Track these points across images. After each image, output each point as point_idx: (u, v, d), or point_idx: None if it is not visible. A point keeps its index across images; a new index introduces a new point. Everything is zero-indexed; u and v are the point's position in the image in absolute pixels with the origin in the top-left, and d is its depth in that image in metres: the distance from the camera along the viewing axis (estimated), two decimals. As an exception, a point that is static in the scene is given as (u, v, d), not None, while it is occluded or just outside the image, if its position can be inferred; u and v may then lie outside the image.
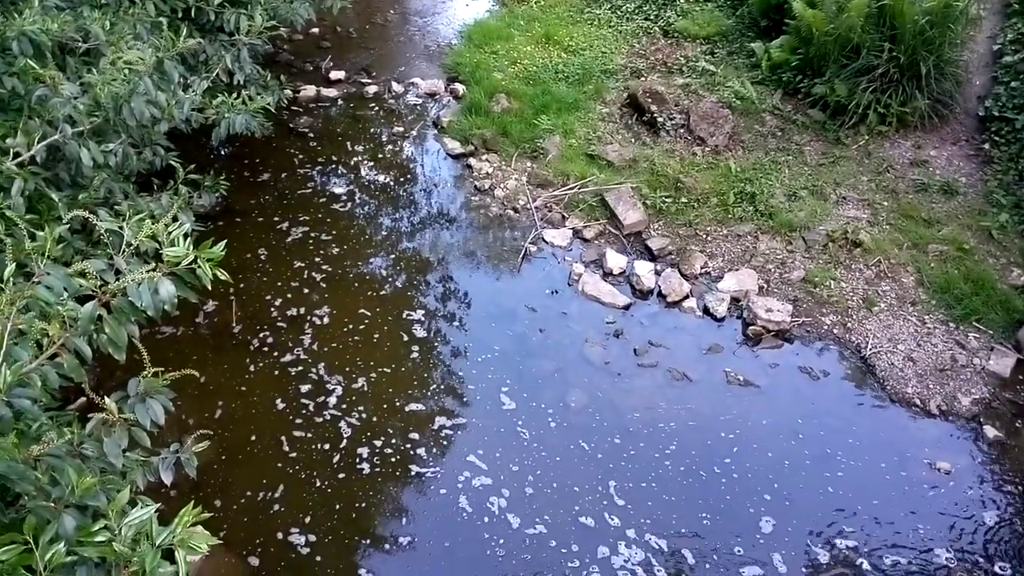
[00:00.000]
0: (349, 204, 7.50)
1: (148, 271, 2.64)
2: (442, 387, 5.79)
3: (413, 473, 5.20)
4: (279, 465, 5.18)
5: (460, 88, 8.98)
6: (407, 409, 5.60)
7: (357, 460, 5.24)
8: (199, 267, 2.68)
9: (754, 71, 8.42)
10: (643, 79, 8.65)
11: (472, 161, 8.01)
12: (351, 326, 6.21)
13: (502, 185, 7.66)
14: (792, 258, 6.65)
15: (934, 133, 7.54)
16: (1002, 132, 7.21)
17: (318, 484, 5.08)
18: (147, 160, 4.85)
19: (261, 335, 6.09)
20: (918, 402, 5.57)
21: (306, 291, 6.51)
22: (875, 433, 5.43)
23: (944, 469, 5.17)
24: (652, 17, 9.60)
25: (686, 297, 6.42)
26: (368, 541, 4.81)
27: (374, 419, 5.51)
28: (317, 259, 6.81)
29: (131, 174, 4.82)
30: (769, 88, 8.20)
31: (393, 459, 5.26)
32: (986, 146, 7.26)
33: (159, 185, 5.02)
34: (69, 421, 2.82)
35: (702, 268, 6.67)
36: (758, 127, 7.86)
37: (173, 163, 4.83)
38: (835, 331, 6.11)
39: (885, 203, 6.99)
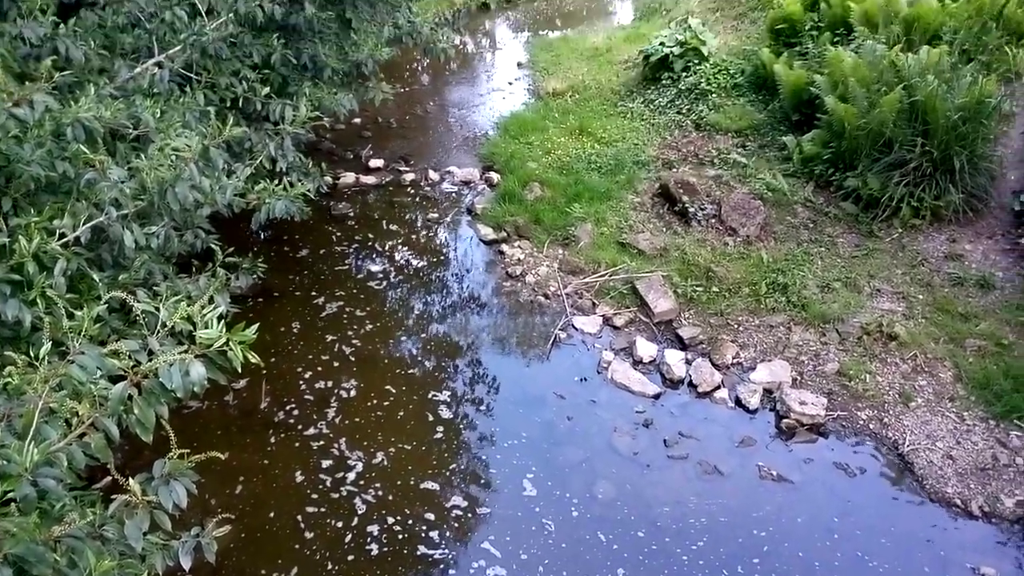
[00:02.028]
0: (384, 283, 7.66)
1: (180, 352, 2.69)
2: (463, 469, 5.73)
3: (421, 554, 5.09)
4: (295, 546, 5.13)
5: (495, 177, 9.20)
6: (424, 488, 5.55)
7: (367, 540, 5.18)
8: (231, 349, 2.73)
9: (786, 164, 8.51)
10: (675, 170, 8.78)
11: (504, 247, 8.12)
12: (376, 401, 6.26)
13: (533, 271, 7.73)
14: (826, 350, 6.56)
15: (969, 227, 7.48)
16: (1039, 227, 7.14)
17: (330, 567, 5.01)
18: (188, 243, 4.99)
19: (288, 407, 6.17)
20: (959, 502, 5.35)
21: (336, 364, 6.61)
22: (914, 534, 5.21)
23: (988, 574, 4.92)
24: (684, 111, 9.81)
25: (717, 387, 6.34)
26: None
27: (390, 497, 5.47)
28: (349, 333, 6.95)
29: (171, 256, 4.96)
30: (801, 180, 8.26)
31: (402, 537, 5.19)
32: (1022, 241, 7.17)
33: (198, 267, 5.14)
34: (93, 501, 2.82)
35: (734, 358, 6.59)
36: (790, 218, 7.89)
37: (213, 246, 4.96)
38: (871, 426, 5.95)
39: (920, 296, 6.90)
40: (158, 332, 2.90)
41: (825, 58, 8.54)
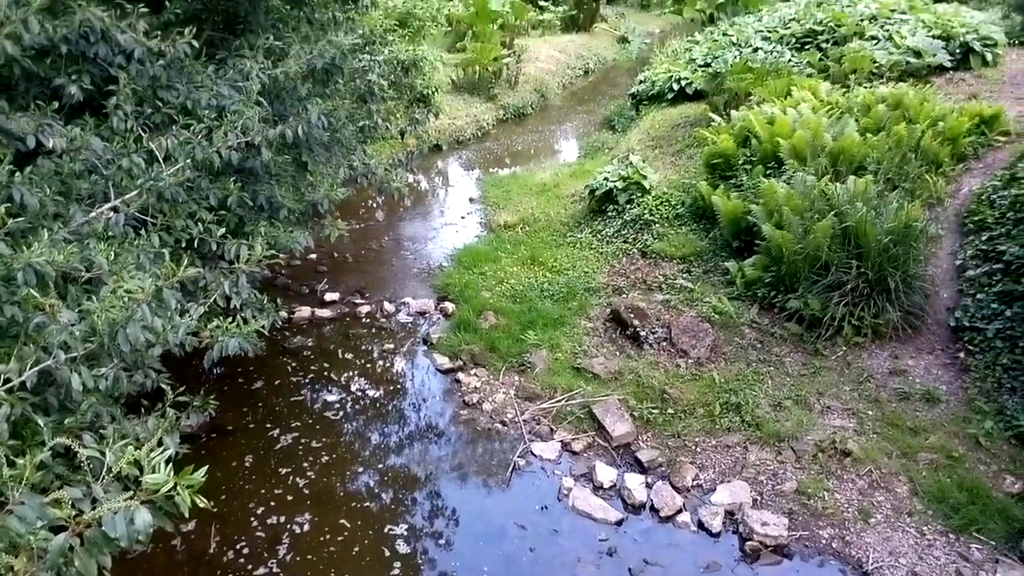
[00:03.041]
0: (340, 414, 7.60)
1: (126, 499, 2.63)
2: (426, 614, 5.51)
3: None
4: None
5: (450, 307, 9.33)
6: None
7: None
8: (178, 494, 2.68)
9: (729, 287, 8.81)
10: (624, 296, 9.02)
11: (461, 376, 8.14)
12: (330, 536, 6.07)
13: (490, 399, 7.73)
14: (783, 469, 6.59)
15: (909, 343, 7.75)
16: (975, 341, 7.42)
17: None
18: (138, 383, 4.92)
19: (238, 546, 5.95)
20: (928, 623, 5.29)
21: (289, 498, 6.44)
22: (887, 659, 5.11)
23: None
24: (630, 240, 10.19)
25: (679, 511, 6.28)
26: None
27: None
28: (304, 465, 6.83)
29: (120, 397, 4.87)
30: (745, 303, 8.53)
31: None
32: (961, 355, 7.43)
33: (147, 407, 5.05)
34: (24, 664, 2.66)
35: (694, 480, 6.58)
36: (738, 340, 8.09)
37: (163, 385, 4.90)
38: (834, 545, 5.91)
39: (869, 412, 7.04)
40: (103, 478, 2.84)
41: (759, 189, 9.04)
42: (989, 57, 12.37)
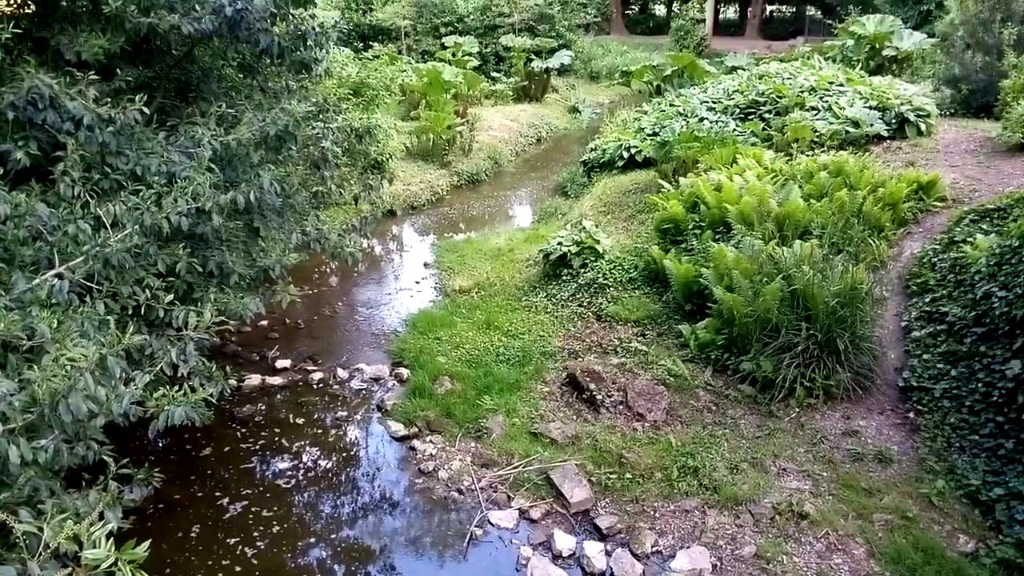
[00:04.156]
0: (291, 484, 7.37)
1: (63, 577, 2.49)
2: None
3: None
4: None
5: (404, 372, 9.23)
6: None
7: None
8: (120, 570, 2.55)
9: (683, 350, 8.90)
10: (580, 359, 9.04)
11: (416, 443, 8.00)
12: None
13: (446, 466, 7.59)
14: (742, 533, 6.56)
15: (860, 404, 7.87)
16: (923, 401, 7.56)
17: None
18: (79, 455, 4.72)
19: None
20: None
21: (238, 569, 6.23)
22: None
23: None
24: (585, 304, 10.27)
25: (640, 579, 6.19)
26: None
27: None
28: (255, 535, 6.62)
29: (61, 470, 4.66)
30: (699, 365, 8.61)
31: None
32: (911, 415, 7.56)
33: (88, 480, 4.84)
34: None
35: (653, 547, 6.49)
36: (693, 402, 8.13)
37: (106, 457, 4.71)
38: (795, 610, 5.87)
39: (824, 473, 7.09)
40: (40, 555, 2.69)
41: (709, 253, 9.24)
42: (923, 127, 12.99)
